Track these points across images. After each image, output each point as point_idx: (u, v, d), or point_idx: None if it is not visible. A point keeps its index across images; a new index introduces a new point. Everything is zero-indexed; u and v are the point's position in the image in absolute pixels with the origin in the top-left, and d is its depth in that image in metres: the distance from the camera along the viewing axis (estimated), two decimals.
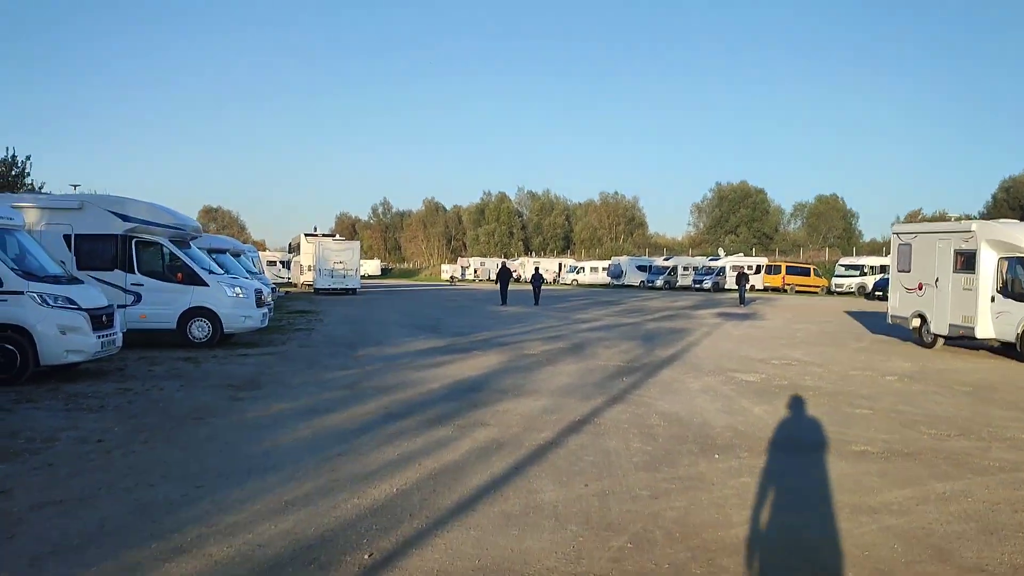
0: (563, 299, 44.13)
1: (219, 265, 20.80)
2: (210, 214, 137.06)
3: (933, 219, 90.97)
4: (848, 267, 57.34)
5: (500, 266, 42.53)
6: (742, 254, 73.30)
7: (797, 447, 8.08)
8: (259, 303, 17.41)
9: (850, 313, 33.04)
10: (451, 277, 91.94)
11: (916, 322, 19.04)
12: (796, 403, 10.59)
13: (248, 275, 29.63)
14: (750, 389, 11.86)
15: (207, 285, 16.37)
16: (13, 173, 32.25)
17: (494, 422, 8.96)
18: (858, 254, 69.02)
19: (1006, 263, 16.45)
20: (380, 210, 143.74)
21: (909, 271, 19.30)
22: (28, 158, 32.69)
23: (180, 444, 7.72)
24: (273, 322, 23.35)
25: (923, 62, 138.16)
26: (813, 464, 7.29)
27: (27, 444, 7.60)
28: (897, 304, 19.88)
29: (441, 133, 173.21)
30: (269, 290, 31.46)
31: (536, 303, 37.64)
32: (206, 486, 6.24)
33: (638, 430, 8.64)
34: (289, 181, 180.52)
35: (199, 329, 16.34)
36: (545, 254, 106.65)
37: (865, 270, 55.33)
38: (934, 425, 9.20)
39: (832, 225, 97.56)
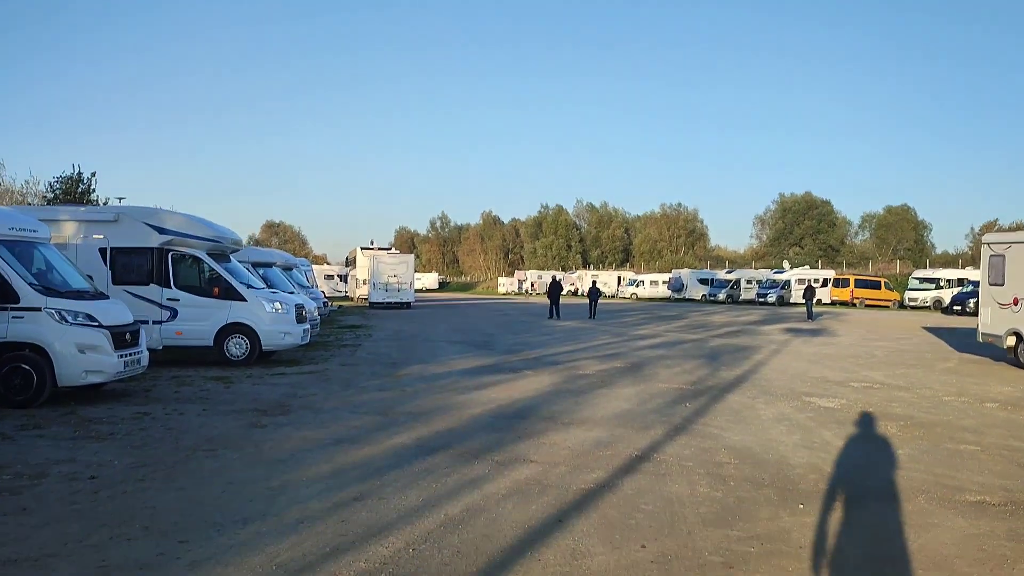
0: (621, 313, 42.79)
1: (263, 279, 20.19)
2: (272, 229, 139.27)
3: (1013, 230, 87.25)
4: (923, 280, 54.71)
5: (552, 279, 41.50)
6: (807, 267, 70.83)
7: (897, 494, 6.77)
8: (300, 319, 16.63)
9: (928, 329, 31.01)
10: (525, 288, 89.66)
11: (1011, 341, 17.30)
12: (886, 436, 9.23)
13: (298, 289, 29.32)
14: (831, 418, 10.51)
15: (245, 300, 15.63)
16: (79, 189, 32.49)
17: (538, 458, 7.85)
18: (931, 266, 66.12)
19: None
20: (438, 224, 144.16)
21: (1003, 284, 17.59)
22: (93, 174, 32.95)
23: (180, 483, 6.79)
24: (321, 338, 22.67)
25: (997, 59, 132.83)
26: (922, 518, 6.00)
27: (11, 481, 6.76)
28: (989, 321, 18.16)
29: (499, 145, 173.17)
30: (317, 304, 31.07)
31: (592, 316, 36.50)
32: (191, 541, 5.27)
33: (705, 470, 7.44)
34: (351, 196, 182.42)
35: (236, 346, 15.60)
36: (603, 267, 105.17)
37: (941, 283, 52.71)
38: None
39: (903, 237, 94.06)
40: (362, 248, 56.53)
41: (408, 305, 46.44)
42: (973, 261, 69.74)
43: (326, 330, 26.08)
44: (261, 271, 21.24)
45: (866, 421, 10.21)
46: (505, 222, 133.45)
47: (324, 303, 33.43)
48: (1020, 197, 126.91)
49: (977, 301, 45.32)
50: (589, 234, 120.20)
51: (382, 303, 45.76)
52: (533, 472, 7.25)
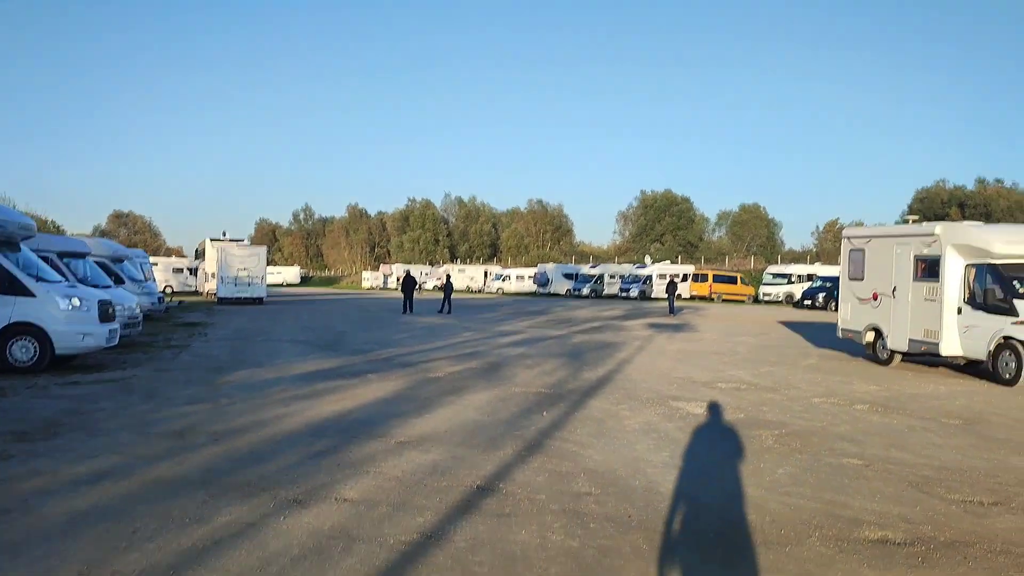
0: (486, 308, 41.58)
1: (72, 272, 17.59)
2: (120, 219, 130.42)
3: (850, 226, 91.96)
4: (776, 275, 56.40)
5: (405, 274, 39.87)
6: (669, 262, 72.12)
7: (789, 534, 5.62)
8: (106, 317, 14.27)
9: (784, 324, 31.39)
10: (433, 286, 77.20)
11: (870, 336, 17.05)
12: (763, 451, 8.19)
13: (130, 283, 26.39)
14: (701, 427, 9.45)
15: (33, 295, 13.18)
16: None
17: (355, 494, 6.26)
18: (781, 262, 68.60)
19: (974, 270, 14.53)
20: (301, 216, 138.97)
21: (862, 279, 17.33)
22: None
23: None
24: (147, 337, 20.17)
25: (839, 75, 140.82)
26: (823, 571, 4.84)
27: None
28: (848, 316, 17.90)
29: (365, 137, 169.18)
30: (151, 300, 28.16)
31: (442, 311, 35.11)
32: None
33: (560, 505, 6.07)
34: (208, 187, 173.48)
35: (22, 350, 13.11)
36: (471, 261, 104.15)
37: (793, 279, 54.44)
38: (951, 485, 6.89)
39: (756, 234, 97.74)
40: (211, 239, 52.94)
41: (260, 300, 43.48)
42: (819, 257, 73.00)
43: (156, 329, 23.44)
44: (70, 262, 18.55)
45: (739, 431, 9.19)
46: (372, 215, 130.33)
47: (160, 299, 30.45)
48: (858, 197, 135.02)
49: (826, 296, 47.62)
50: (457, 228, 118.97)
51: (231, 298, 42.62)
52: (343, 516, 5.66)
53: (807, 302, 47.66)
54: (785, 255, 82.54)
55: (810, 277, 52.96)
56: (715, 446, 8.34)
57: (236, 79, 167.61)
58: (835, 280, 48.93)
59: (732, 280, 59.50)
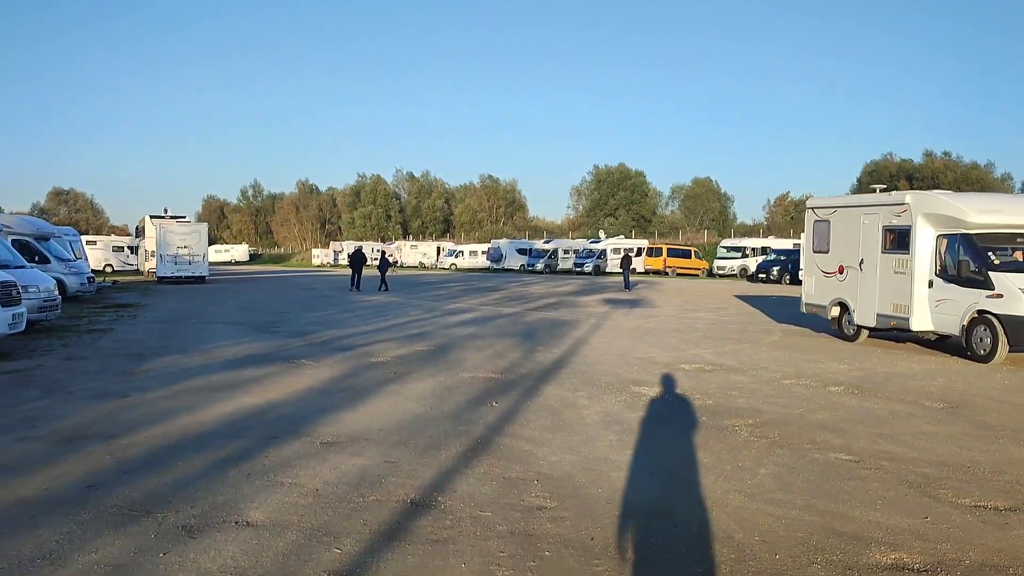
0: (438, 285, 40.41)
1: None
2: (60, 197, 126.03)
3: (801, 203, 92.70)
4: (730, 249, 56.04)
5: (355, 249, 38.50)
6: (623, 236, 71.54)
7: (786, 559, 4.67)
8: (8, 300, 12.87)
9: (740, 298, 30.78)
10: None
11: (835, 311, 16.34)
12: (739, 445, 7.28)
13: (56, 261, 24.75)
14: (668, 418, 8.52)
15: None
16: None
17: (261, 514, 5.18)
18: (734, 236, 68.45)
19: (946, 241, 13.83)
20: (250, 192, 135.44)
21: (827, 252, 16.58)
22: None
23: None
24: (69, 320, 18.68)
25: (789, 48, 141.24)
26: None
27: None
28: (813, 290, 17.16)
29: (314, 112, 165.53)
30: (80, 280, 26.47)
31: (381, 289, 33.88)
32: None
33: (508, 525, 5.06)
34: (154, 164, 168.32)
35: None
36: (424, 237, 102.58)
37: (747, 252, 54.08)
38: (957, 486, 6.03)
39: (708, 208, 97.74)
40: (151, 216, 50.68)
41: (202, 279, 41.71)
42: (770, 231, 73.07)
43: (83, 310, 21.87)
44: None
45: (710, 422, 8.28)
46: (322, 191, 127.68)
47: (90, 278, 28.70)
48: (808, 171, 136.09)
49: (780, 269, 47.35)
50: (409, 204, 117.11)
51: (171, 277, 40.80)
52: (239, 549, 4.57)
53: (762, 275, 47.36)
54: (737, 229, 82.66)
55: (764, 251, 52.72)
56: (685, 441, 7.40)
57: (181, 52, 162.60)
58: (789, 253, 48.96)
59: (686, 254, 59.08)
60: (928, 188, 63.56)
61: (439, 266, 75.13)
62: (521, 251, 68.21)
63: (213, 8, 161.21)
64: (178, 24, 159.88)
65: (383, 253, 38.10)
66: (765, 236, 63.61)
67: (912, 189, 58.96)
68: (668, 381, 10.83)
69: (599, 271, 57.33)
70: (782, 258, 47.78)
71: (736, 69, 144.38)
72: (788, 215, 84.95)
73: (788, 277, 44.91)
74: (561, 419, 8.31)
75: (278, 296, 31.03)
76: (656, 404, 9.20)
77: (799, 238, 51.97)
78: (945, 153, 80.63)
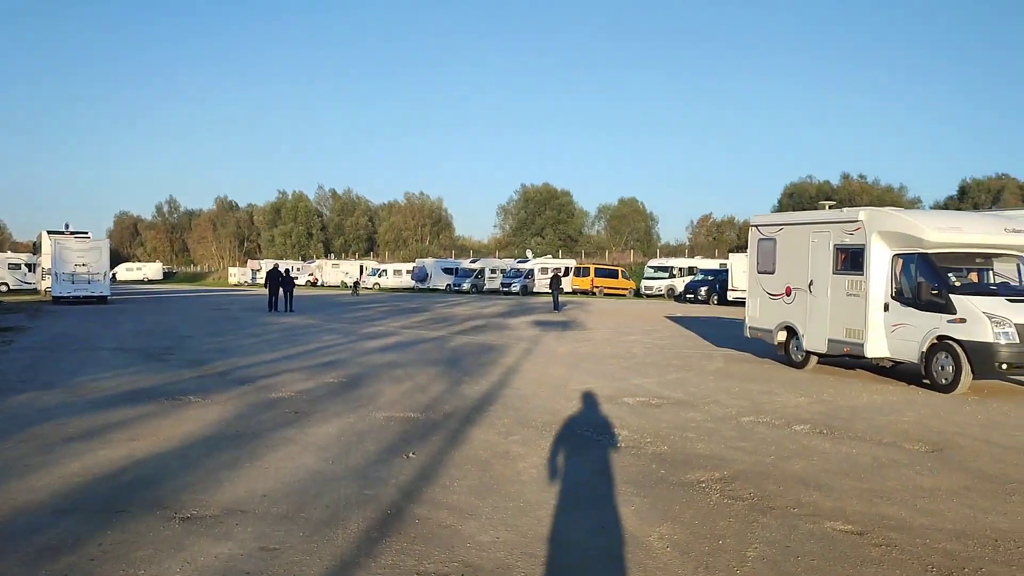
0: (358, 306, 38.47)
1: None
2: None
3: (723, 224, 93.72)
4: (657, 269, 55.60)
5: (272, 268, 36.37)
6: (550, 256, 70.70)
7: None
8: None
9: (672, 319, 29.86)
10: (354, 284, 59.52)
11: (782, 336, 15.29)
12: (713, 513, 5.92)
13: None
14: (619, 470, 7.12)
15: None
16: None
17: None
18: (659, 256, 68.26)
19: (902, 261, 12.91)
20: (166, 209, 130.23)
21: (773, 272, 15.54)
22: None
23: None
24: None
25: (711, 70, 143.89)
26: None
27: None
28: (757, 313, 16.10)
29: (234, 127, 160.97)
30: None
31: (277, 309, 31.90)
32: None
33: None
34: (63, 178, 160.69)
35: None
36: (347, 256, 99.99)
37: (674, 272, 53.67)
38: (990, 569, 4.79)
39: (634, 228, 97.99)
40: (48, 232, 47.34)
41: (103, 299, 38.81)
42: (694, 251, 73.23)
43: None
44: None
45: (670, 475, 6.92)
46: (241, 208, 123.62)
47: None
48: (730, 193, 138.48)
49: (708, 289, 46.95)
50: (332, 222, 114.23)
51: (67, 297, 37.82)
52: None
53: (689, 295, 46.95)
54: (662, 249, 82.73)
55: (691, 270, 52.42)
56: (647, 506, 6.00)
57: (94, 64, 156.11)
58: (716, 273, 48.69)
59: (613, 274, 58.43)
60: None
61: (362, 285, 72.87)
62: (447, 270, 66.58)
63: (124, 20, 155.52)
64: (91, 24, 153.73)
65: (287, 271, 35.98)
66: (690, 256, 63.46)
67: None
68: (612, 420, 9.45)
69: (527, 291, 56.20)
70: (709, 278, 47.47)
71: (659, 91, 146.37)
72: (711, 236, 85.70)
73: (716, 297, 44.55)
74: (492, 476, 6.82)
75: (183, 318, 28.72)
76: (603, 452, 7.80)
77: (724, 258, 51.96)
78: (861, 176, 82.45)
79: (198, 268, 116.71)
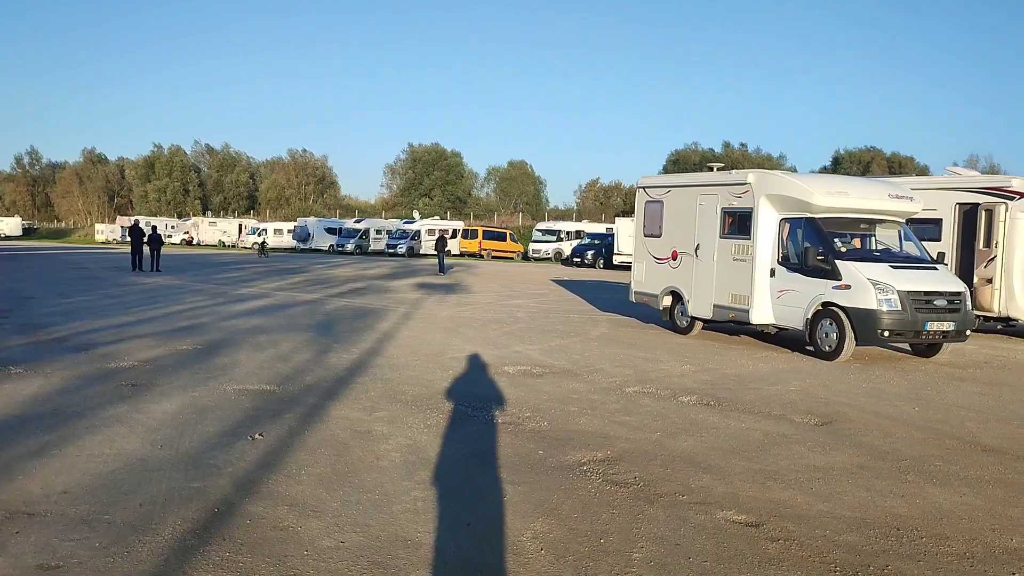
0: (233, 266, 36.47)
1: None
2: None
3: (611, 189, 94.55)
4: (545, 232, 55.37)
5: (133, 224, 34.02)
6: (438, 217, 69.48)
7: None
8: None
9: (558, 282, 29.53)
10: (260, 244, 54.09)
11: (667, 301, 14.94)
12: (595, 503, 5.27)
13: None
14: (492, 452, 6.38)
15: None
16: None
17: None
18: (547, 220, 68.17)
19: (789, 226, 12.67)
20: (26, 160, 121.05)
21: (660, 236, 15.13)
22: None
23: None
24: None
25: (595, 36, 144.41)
26: None
27: None
28: (643, 278, 15.68)
29: (103, 75, 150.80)
30: None
31: (141, 268, 29.83)
32: None
33: None
34: None
35: None
36: (227, 214, 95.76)
37: (561, 236, 53.58)
38: (899, 565, 4.31)
39: (523, 191, 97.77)
40: None
41: None
42: (581, 215, 73.48)
43: None
44: None
45: (549, 456, 6.24)
46: (111, 161, 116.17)
47: None
48: (617, 158, 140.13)
49: (595, 253, 47.04)
50: (210, 178, 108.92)
51: None
52: None
53: (576, 259, 46.95)
54: (550, 213, 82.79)
55: (578, 234, 52.44)
56: (520, 496, 5.29)
57: None
58: (603, 237, 48.81)
59: (502, 236, 57.86)
60: None
61: (240, 245, 69.69)
62: (330, 230, 64.46)
63: None
64: None
65: (154, 228, 33.69)
66: (578, 220, 63.57)
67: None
68: (490, 392, 8.74)
69: (413, 253, 54.99)
70: (596, 242, 47.55)
71: (548, 54, 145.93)
72: (599, 200, 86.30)
73: (602, 261, 44.69)
74: (348, 462, 5.96)
75: (34, 277, 26.30)
76: (478, 429, 7.06)
77: (611, 222, 52.18)
78: (742, 144, 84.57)
79: (62, 224, 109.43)
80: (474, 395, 8.54)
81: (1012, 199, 14.75)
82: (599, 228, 53.03)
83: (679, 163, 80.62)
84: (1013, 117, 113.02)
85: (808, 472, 5.98)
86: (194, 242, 74.27)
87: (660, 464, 6.08)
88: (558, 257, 51.33)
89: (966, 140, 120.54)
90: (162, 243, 32.17)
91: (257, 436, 6.58)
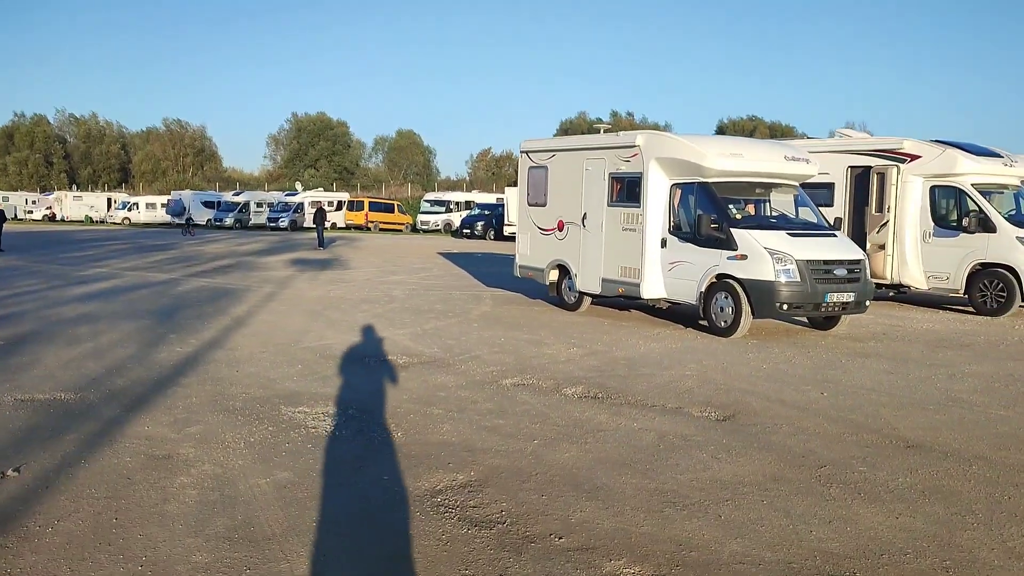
0: (91, 243, 33.37)
1: None
2: None
3: (502, 159, 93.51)
4: (434, 203, 53.79)
5: None
6: (322, 189, 66.69)
7: None
8: None
9: (445, 255, 28.13)
10: (186, 220, 49.34)
11: (554, 275, 13.76)
12: (452, 551, 4.00)
13: None
14: (327, 495, 5.01)
15: None
16: None
17: None
18: (438, 190, 66.50)
19: (680, 192, 11.68)
20: None
21: (545, 205, 13.91)
22: None
23: None
24: None
25: (483, 5, 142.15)
26: None
27: None
28: (528, 251, 14.44)
29: None
30: None
31: None
32: None
33: None
34: None
35: None
36: (97, 187, 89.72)
37: (451, 206, 52.11)
38: None
39: (412, 161, 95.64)
40: None
41: None
42: (472, 186, 72.19)
43: None
44: None
45: (398, 489, 4.92)
46: None
47: None
48: (507, 128, 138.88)
49: (484, 224, 45.83)
50: (77, 150, 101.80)
51: None
52: None
53: (466, 231, 45.56)
54: (441, 183, 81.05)
55: (468, 205, 51.09)
56: (348, 557, 3.95)
57: None
58: (493, 208, 47.60)
59: (389, 208, 55.86)
60: None
61: (109, 220, 65.06)
62: (207, 204, 60.82)
63: None
64: None
65: None
66: (468, 191, 62.17)
67: None
68: (342, 393, 7.33)
69: (296, 226, 52.39)
70: (486, 213, 46.32)
71: (436, 21, 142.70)
72: (490, 171, 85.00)
73: (492, 232, 43.49)
74: (122, 507, 4.46)
75: None
76: (311, 449, 5.65)
77: (502, 193, 51.03)
78: (629, 113, 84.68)
79: None
80: (319, 397, 7.11)
81: (904, 161, 14.23)
82: (490, 198, 51.80)
83: (569, 132, 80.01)
84: (888, 84, 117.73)
85: (714, 491, 4.86)
86: (57, 218, 68.99)
87: (534, 488, 4.85)
88: (448, 229, 49.83)
89: (843, 110, 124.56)
90: (4, 219, 28.96)
91: (10, 472, 4.99)
